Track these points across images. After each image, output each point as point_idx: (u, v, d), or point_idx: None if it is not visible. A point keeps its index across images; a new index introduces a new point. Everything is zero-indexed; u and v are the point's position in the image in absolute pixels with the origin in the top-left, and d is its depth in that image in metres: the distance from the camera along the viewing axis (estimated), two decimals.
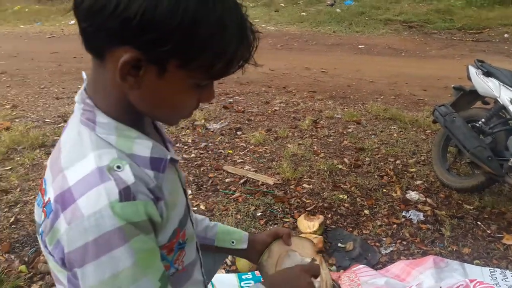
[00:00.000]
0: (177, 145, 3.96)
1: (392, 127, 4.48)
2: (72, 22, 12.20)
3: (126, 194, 0.62)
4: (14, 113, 4.81)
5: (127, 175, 0.64)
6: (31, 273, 2.25)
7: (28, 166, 3.46)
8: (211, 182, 3.29)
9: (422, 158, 3.72)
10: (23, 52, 8.55)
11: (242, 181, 3.29)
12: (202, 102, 0.71)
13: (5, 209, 2.84)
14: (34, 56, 8.16)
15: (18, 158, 3.60)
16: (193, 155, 3.77)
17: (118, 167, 0.64)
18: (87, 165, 0.63)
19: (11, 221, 2.70)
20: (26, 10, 14.44)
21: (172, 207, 0.74)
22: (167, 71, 0.63)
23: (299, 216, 2.76)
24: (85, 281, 0.62)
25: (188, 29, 0.59)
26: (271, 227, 2.70)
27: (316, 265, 0.98)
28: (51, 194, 0.65)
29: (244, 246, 1.11)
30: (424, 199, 3.03)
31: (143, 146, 0.70)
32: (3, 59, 8.06)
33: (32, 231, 2.60)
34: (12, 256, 2.38)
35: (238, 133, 4.29)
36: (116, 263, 0.60)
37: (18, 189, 3.10)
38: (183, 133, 4.23)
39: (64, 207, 0.61)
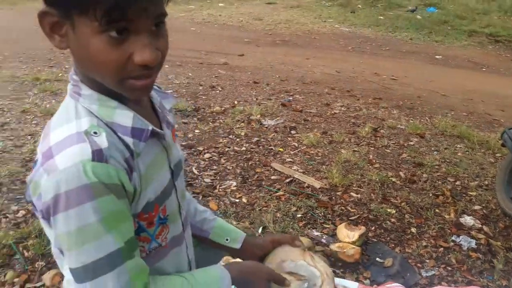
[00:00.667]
0: (229, 136, 3.99)
1: (458, 146, 4.20)
2: None
3: (98, 155, 0.65)
4: None
5: (102, 140, 0.67)
6: None
7: None
8: (257, 177, 3.28)
9: (486, 182, 3.45)
10: None
11: (287, 180, 3.24)
12: (136, 59, 0.65)
13: None
14: None
15: None
16: (243, 148, 3.78)
17: (95, 132, 0.68)
18: (68, 129, 0.68)
19: None
20: None
21: (147, 180, 0.76)
22: (76, 23, 0.64)
23: (340, 224, 2.67)
24: (56, 229, 0.67)
25: None
26: (308, 230, 2.64)
27: (281, 277, 0.97)
28: (38, 155, 0.71)
29: (237, 246, 1.09)
30: (480, 226, 2.80)
31: (124, 116, 0.73)
32: None
33: None
34: None
35: (292, 132, 4.23)
36: (82, 217, 0.64)
37: None
38: (237, 126, 4.25)
39: (44, 162, 0.67)
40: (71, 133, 0.67)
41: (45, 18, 0.66)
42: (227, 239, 1.09)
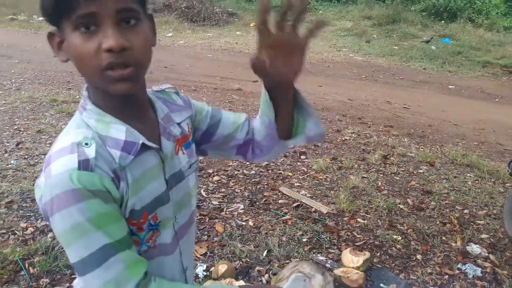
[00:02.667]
0: (239, 160, 4.06)
1: (468, 175, 4.19)
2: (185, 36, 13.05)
3: (84, 165, 0.74)
4: None
5: (90, 151, 0.76)
6: None
7: None
8: (265, 200, 3.33)
9: (495, 211, 3.43)
10: None
11: (295, 204, 3.28)
12: (102, 46, 0.72)
13: None
14: None
15: None
16: (253, 172, 3.84)
17: (86, 144, 0.77)
18: (67, 139, 0.78)
19: None
20: None
21: (136, 190, 0.82)
22: (65, 32, 0.75)
23: (346, 249, 2.69)
24: (54, 230, 0.76)
25: None
26: (313, 255, 2.66)
27: None
28: None
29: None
30: (486, 254, 2.79)
31: (118, 130, 0.81)
32: None
33: None
34: None
35: (302, 157, 4.29)
36: (73, 217, 0.73)
37: None
38: None
39: (45, 168, 0.76)
40: (68, 143, 0.76)
41: (52, 39, 0.79)
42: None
